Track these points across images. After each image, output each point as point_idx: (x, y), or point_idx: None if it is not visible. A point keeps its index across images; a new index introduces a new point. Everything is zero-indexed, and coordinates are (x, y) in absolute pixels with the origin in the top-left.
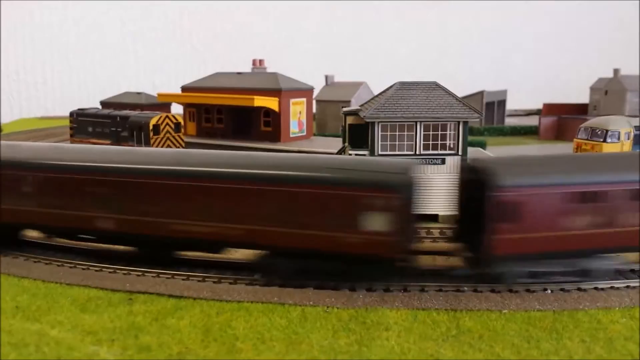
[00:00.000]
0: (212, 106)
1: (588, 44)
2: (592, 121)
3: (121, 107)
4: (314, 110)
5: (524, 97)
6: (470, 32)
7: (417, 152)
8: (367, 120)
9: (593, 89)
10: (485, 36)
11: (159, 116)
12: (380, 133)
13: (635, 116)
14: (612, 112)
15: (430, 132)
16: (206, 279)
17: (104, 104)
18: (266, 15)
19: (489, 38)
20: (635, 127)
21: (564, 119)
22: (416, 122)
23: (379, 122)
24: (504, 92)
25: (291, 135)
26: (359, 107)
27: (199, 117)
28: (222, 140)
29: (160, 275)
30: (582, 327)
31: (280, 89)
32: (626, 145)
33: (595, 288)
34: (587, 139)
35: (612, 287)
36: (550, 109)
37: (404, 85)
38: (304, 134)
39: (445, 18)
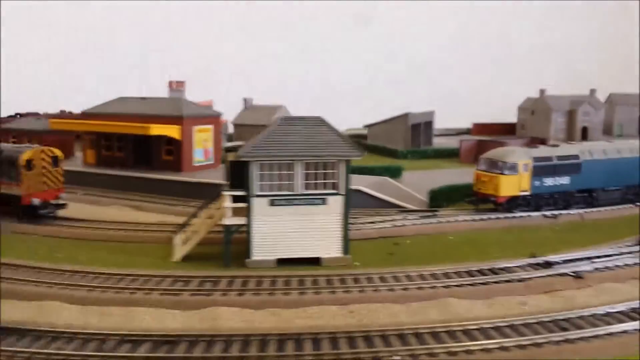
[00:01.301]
0: (112, 133)
1: (523, 62)
2: (491, 152)
3: (20, 133)
4: (232, 133)
5: (459, 116)
6: (405, 52)
7: (298, 192)
8: (242, 159)
9: (521, 109)
10: (420, 55)
11: (32, 150)
12: (257, 172)
13: (535, 147)
14: (539, 131)
15: (312, 171)
16: None
17: (2, 130)
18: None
19: (425, 57)
20: (533, 158)
21: (483, 142)
22: (295, 160)
23: (256, 161)
24: (431, 114)
25: (196, 164)
26: (240, 143)
27: (99, 145)
28: (121, 170)
29: None
30: None
31: (182, 116)
32: (524, 177)
33: None
34: (486, 171)
35: None
36: (480, 128)
37: (287, 121)
38: (212, 162)
39: (376, 41)
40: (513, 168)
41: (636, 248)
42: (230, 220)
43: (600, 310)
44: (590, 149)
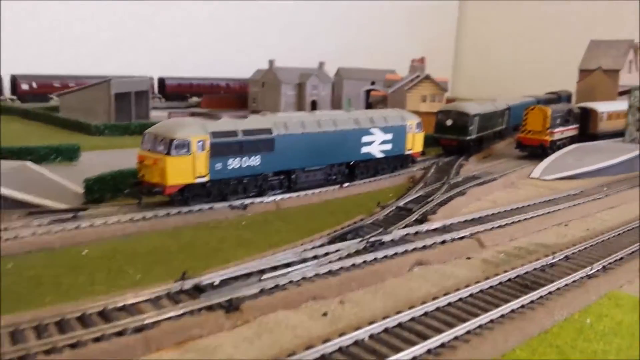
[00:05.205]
0: None
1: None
2: (156, 126)
3: None
4: None
5: None
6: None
7: None
8: None
9: (252, 81)
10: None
11: None
12: None
13: (216, 118)
14: (270, 105)
15: None
16: None
17: None
18: None
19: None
20: (212, 133)
21: (197, 115)
22: None
23: None
24: (145, 82)
25: None
26: None
27: None
28: None
29: None
30: None
31: None
32: (200, 159)
33: None
34: (150, 151)
35: None
36: (210, 101)
37: None
38: None
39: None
40: (184, 146)
41: (322, 250)
42: None
43: None
44: (286, 122)
